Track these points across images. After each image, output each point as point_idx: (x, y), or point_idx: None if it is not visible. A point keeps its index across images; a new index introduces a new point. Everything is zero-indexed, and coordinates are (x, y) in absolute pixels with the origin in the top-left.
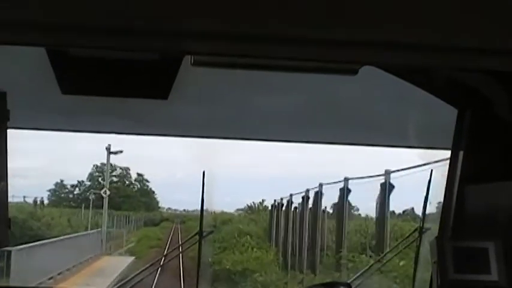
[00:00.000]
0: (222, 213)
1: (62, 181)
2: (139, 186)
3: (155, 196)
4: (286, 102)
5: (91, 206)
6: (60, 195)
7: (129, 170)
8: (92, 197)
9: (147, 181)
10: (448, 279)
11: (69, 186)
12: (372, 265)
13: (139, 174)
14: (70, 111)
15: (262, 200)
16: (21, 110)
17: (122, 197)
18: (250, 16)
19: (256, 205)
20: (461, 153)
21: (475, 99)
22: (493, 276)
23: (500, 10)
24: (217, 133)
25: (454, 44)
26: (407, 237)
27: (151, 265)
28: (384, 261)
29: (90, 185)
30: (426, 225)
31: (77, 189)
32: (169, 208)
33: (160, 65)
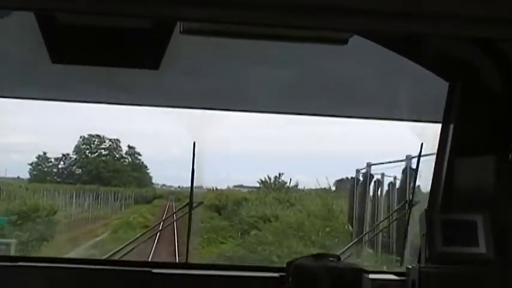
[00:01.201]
0: (230, 190)
1: (45, 154)
2: (130, 160)
3: (148, 171)
4: (278, 73)
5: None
6: (43, 169)
7: (119, 142)
8: (78, 171)
9: (139, 154)
10: (436, 251)
11: (53, 160)
12: (361, 237)
13: (130, 147)
14: (60, 80)
15: (279, 174)
16: (10, 79)
17: (110, 172)
18: None
19: (273, 180)
20: (451, 126)
21: (465, 71)
22: (481, 248)
23: None
24: (208, 104)
25: (444, 12)
26: (397, 210)
27: None
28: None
29: (76, 159)
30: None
31: (62, 163)
32: (163, 185)
33: (151, 34)
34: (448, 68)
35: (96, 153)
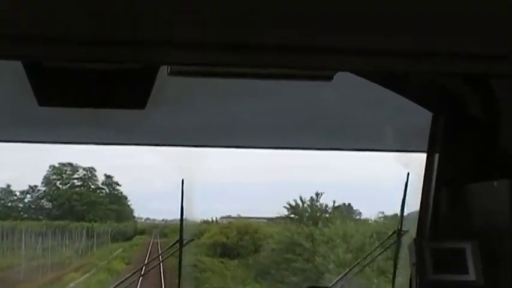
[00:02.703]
0: (240, 219)
1: (8, 186)
2: (107, 190)
3: (128, 203)
4: (264, 109)
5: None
6: (7, 204)
7: (95, 171)
8: (48, 205)
9: (118, 184)
10: (427, 280)
11: (18, 193)
12: (352, 268)
13: (107, 176)
14: (47, 123)
15: (317, 195)
16: None
17: (85, 205)
18: (226, 26)
19: (305, 203)
20: (436, 156)
21: (449, 103)
22: (471, 276)
23: (470, 15)
24: (196, 142)
25: (426, 49)
26: (387, 239)
27: None
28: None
29: (45, 191)
30: (404, 227)
31: (29, 196)
32: (147, 218)
33: (136, 74)
34: (431, 99)
35: (69, 184)
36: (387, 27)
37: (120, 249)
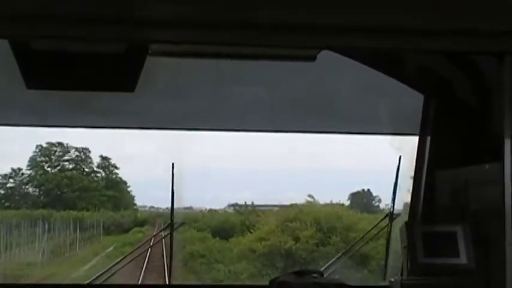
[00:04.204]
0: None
1: None
2: (103, 174)
3: (128, 188)
4: (256, 92)
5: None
6: None
7: (89, 152)
8: (34, 191)
9: (116, 167)
10: (418, 263)
11: None
12: (344, 252)
13: (103, 158)
14: (36, 106)
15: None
16: None
17: (76, 191)
18: (209, 4)
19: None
20: (428, 139)
21: (440, 85)
22: (462, 259)
23: None
24: (187, 125)
25: (417, 26)
26: (378, 223)
27: None
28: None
29: (31, 175)
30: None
31: (11, 180)
32: (152, 206)
33: (125, 57)
34: (422, 82)
35: (59, 167)
36: (371, 3)
37: (112, 247)
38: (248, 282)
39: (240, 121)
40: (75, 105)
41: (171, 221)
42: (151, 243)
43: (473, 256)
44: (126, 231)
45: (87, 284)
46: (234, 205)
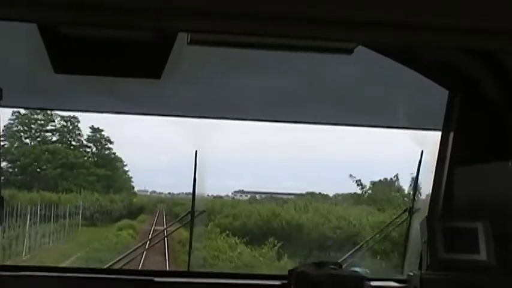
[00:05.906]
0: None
1: None
2: (94, 149)
3: (124, 167)
4: (280, 82)
5: None
6: None
7: (79, 122)
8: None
9: (110, 142)
10: (438, 258)
11: None
12: (362, 245)
13: (95, 130)
14: (62, 90)
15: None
16: (14, 89)
17: (58, 168)
18: None
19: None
20: (451, 134)
21: (465, 81)
22: (482, 255)
23: None
24: (210, 113)
25: (444, 23)
26: (397, 217)
27: None
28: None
29: (4, 147)
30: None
31: None
32: (153, 191)
33: (153, 44)
34: (447, 78)
35: (39, 139)
36: (407, 0)
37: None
38: (266, 272)
39: (261, 110)
40: (101, 90)
41: (192, 208)
42: (165, 233)
43: (493, 253)
44: (115, 221)
45: (107, 268)
46: (239, 192)
